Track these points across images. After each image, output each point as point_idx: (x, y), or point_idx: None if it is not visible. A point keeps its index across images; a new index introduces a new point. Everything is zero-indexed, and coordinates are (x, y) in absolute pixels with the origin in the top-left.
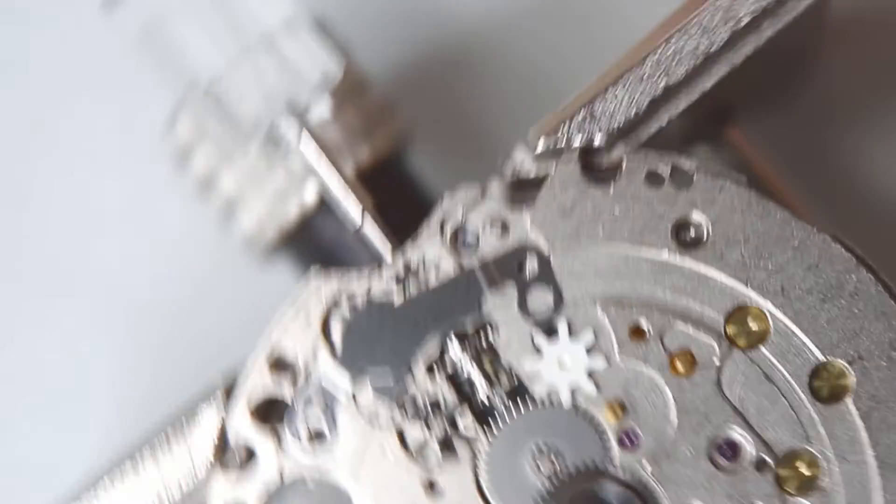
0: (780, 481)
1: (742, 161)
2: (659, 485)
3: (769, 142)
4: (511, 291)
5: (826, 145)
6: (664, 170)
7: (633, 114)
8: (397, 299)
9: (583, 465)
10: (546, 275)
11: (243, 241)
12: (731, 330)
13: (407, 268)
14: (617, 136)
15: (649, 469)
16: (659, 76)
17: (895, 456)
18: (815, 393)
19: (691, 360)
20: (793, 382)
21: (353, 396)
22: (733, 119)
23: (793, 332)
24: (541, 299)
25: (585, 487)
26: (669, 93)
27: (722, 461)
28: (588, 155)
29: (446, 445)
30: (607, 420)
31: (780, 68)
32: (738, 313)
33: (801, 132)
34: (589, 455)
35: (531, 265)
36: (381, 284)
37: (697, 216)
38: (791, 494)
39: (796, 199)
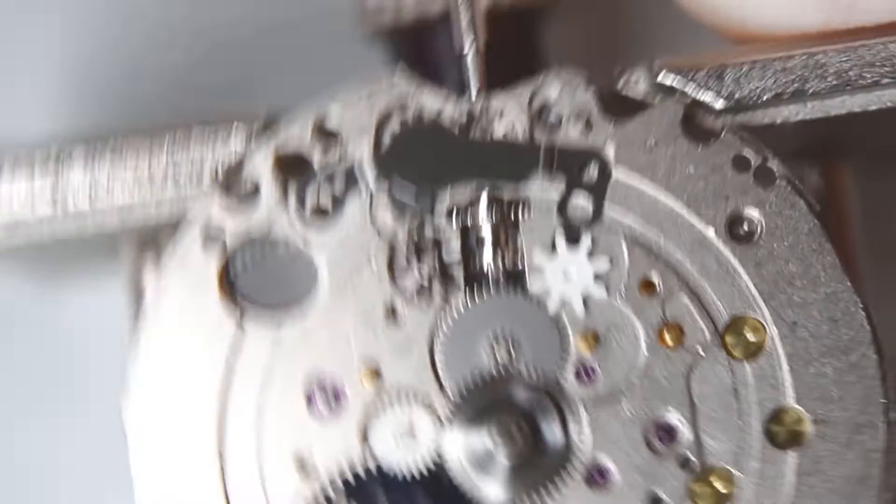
0: (692, 487)
1: (830, 196)
2: (588, 426)
3: (866, 192)
4: (560, 184)
5: None
6: (754, 160)
7: (756, 96)
8: (459, 133)
9: (532, 371)
10: (599, 188)
11: (359, 12)
12: (728, 331)
13: (484, 111)
14: (731, 107)
15: (588, 408)
16: (797, 77)
17: None
18: (769, 431)
19: (679, 337)
20: (755, 410)
21: (372, 195)
22: (845, 155)
23: (780, 366)
24: (581, 207)
25: (519, 392)
26: (798, 97)
27: (653, 439)
28: (696, 108)
29: (426, 285)
30: (577, 345)
31: None
32: (743, 321)
33: None
34: (543, 366)
35: (591, 172)
36: (453, 113)
37: (759, 216)
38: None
39: (858, 256)
